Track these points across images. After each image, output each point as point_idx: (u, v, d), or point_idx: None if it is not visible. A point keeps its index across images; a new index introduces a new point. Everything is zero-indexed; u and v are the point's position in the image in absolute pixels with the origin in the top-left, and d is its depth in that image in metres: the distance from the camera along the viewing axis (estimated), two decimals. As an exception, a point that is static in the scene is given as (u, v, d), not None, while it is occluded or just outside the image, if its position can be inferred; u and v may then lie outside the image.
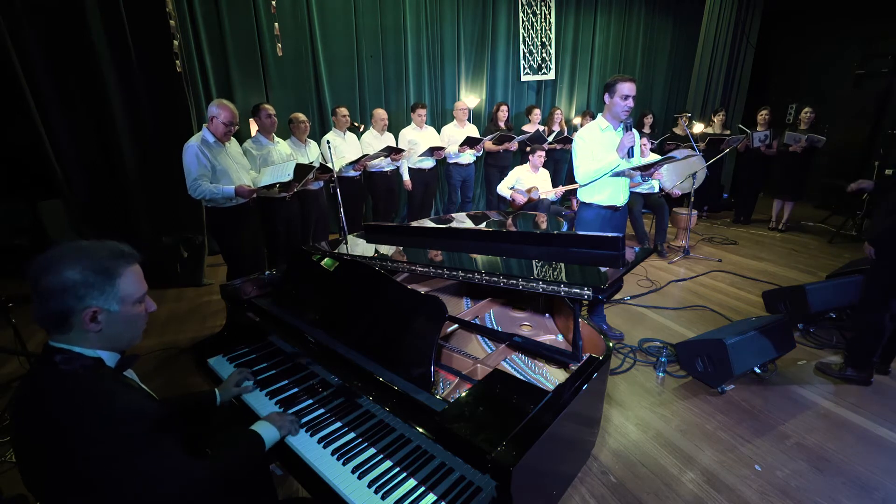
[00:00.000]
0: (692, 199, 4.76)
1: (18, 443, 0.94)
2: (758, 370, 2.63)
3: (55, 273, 0.91)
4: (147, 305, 1.07)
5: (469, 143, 4.66)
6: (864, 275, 2.66)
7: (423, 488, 1.16)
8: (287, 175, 3.07)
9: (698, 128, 6.35)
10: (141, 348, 3.00)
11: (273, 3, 3.88)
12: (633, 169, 2.72)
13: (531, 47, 6.64)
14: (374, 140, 4.55)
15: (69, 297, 0.92)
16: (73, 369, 0.93)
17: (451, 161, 5.05)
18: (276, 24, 3.96)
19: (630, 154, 2.64)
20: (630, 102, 2.57)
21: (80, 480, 0.88)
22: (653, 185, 4.84)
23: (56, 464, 0.87)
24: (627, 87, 2.54)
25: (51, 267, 0.92)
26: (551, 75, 6.88)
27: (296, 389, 1.58)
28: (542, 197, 4.69)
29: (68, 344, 0.96)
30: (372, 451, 1.29)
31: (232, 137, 3.04)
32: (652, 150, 5.10)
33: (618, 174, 2.70)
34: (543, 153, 4.78)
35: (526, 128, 5.75)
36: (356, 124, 4.58)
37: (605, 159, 2.65)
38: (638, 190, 4.87)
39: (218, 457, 1.10)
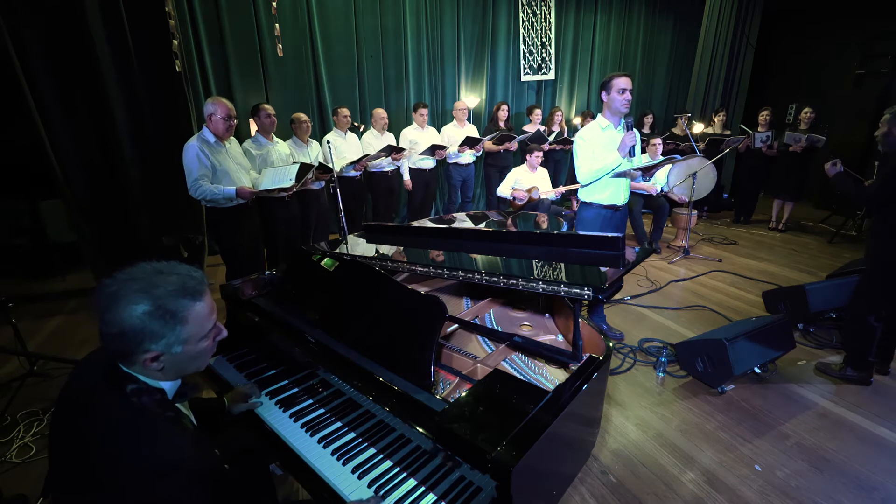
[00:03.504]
0: (691, 200, 4.75)
1: (59, 448, 0.91)
2: (758, 370, 2.63)
3: (116, 312, 0.85)
4: (216, 335, 1.00)
5: (468, 143, 4.67)
6: (859, 276, 2.68)
7: (423, 488, 1.16)
8: (289, 180, 3.08)
9: (698, 128, 6.35)
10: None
11: (273, 4, 3.89)
12: (635, 169, 2.73)
13: (531, 47, 6.64)
14: (375, 140, 4.55)
15: (128, 341, 0.86)
16: (142, 402, 0.90)
17: (451, 161, 5.05)
18: (277, 24, 3.97)
19: (632, 153, 2.65)
20: (628, 96, 2.57)
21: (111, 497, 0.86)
22: (657, 183, 4.82)
23: (93, 485, 0.85)
24: (623, 82, 2.55)
25: (113, 304, 0.85)
26: (551, 75, 6.88)
27: (296, 389, 1.58)
28: (542, 197, 4.69)
29: (135, 372, 0.92)
30: (372, 450, 1.29)
31: (233, 138, 3.05)
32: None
33: (619, 174, 2.70)
34: (541, 153, 4.78)
35: (527, 128, 5.75)
36: (356, 124, 4.59)
37: (607, 159, 2.65)
38: (639, 191, 4.87)
39: None
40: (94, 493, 0.86)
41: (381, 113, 4.60)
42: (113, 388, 0.91)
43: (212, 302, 0.97)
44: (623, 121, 2.64)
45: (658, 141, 4.94)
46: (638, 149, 2.79)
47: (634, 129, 2.66)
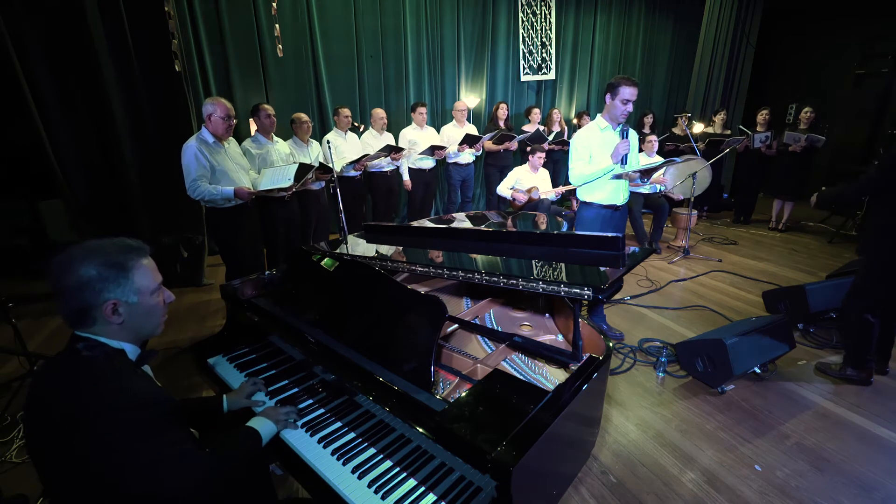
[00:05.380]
0: (692, 199, 4.76)
1: (31, 425, 0.96)
2: (758, 370, 2.63)
3: (72, 272, 0.96)
4: (165, 296, 1.11)
5: (468, 141, 4.67)
6: (855, 275, 2.68)
7: (423, 488, 1.16)
8: (287, 180, 3.07)
9: (698, 128, 6.36)
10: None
11: (273, 4, 3.89)
12: (634, 171, 2.73)
13: (531, 47, 6.64)
14: (374, 140, 4.55)
15: (88, 292, 0.96)
16: (94, 356, 0.97)
17: (450, 161, 5.05)
18: (277, 25, 3.97)
19: (624, 161, 2.65)
20: (629, 107, 2.58)
21: (85, 464, 0.90)
22: (655, 186, 4.85)
23: (65, 447, 0.89)
24: (629, 92, 2.54)
25: (67, 267, 0.96)
26: (551, 75, 6.88)
27: (296, 389, 1.58)
28: (542, 197, 4.69)
29: (93, 335, 1.00)
30: (372, 451, 1.29)
31: (232, 138, 3.04)
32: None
33: (618, 176, 2.70)
34: (543, 154, 4.79)
35: (526, 128, 5.76)
36: (356, 124, 4.59)
37: (601, 164, 2.66)
38: (640, 190, 4.88)
39: (216, 453, 1.10)
40: (72, 460, 0.89)
41: (379, 113, 4.60)
42: (68, 354, 0.99)
43: (154, 265, 1.09)
44: (620, 126, 2.64)
45: (654, 138, 4.98)
46: (633, 156, 2.77)
47: (633, 132, 2.67)
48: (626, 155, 2.63)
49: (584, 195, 2.84)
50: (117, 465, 0.90)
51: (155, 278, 1.07)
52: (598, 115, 2.77)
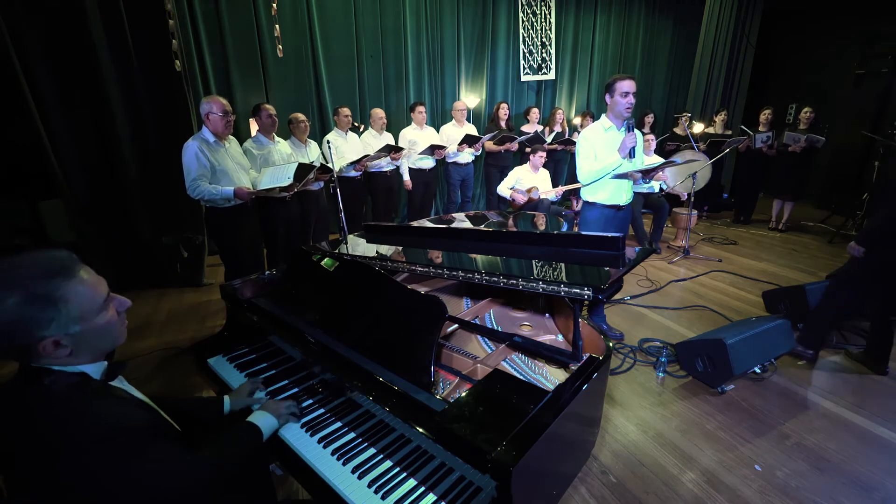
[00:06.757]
0: (692, 199, 4.76)
1: (3, 461, 0.88)
2: (758, 370, 2.63)
3: None
4: (117, 305, 0.96)
5: (468, 140, 4.67)
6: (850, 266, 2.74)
7: (423, 488, 1.16)
8: (287, 178, 3.07)
9: (699, 128, 6.36)
10: (141, 348, 3.00)
11: (274, 5, 3.88)
12: (636, 171, 2.73)
13: (531, 47, 6.64)
14: (373, 140, 4.55)
15: (15, 336, 0.81)
16: (63, 389, 0.87)
17: (449, 160, 5.05)
18: (277, 25, 3.96)
19: (632, 154, 2.65)
20: (631, 99, 2.58)
21: (74, 497, 0.84)
22: (652, 186, 4.86)
23: (47, 483, 0.82)
24: (627, 85, 2.55)
25: None
26: (551, 75, 6.89)
27: (296, 389, 1.58)
28: (542, 197, 4.69)
29: (49, 365, 0.88)
30: (372, 451, 1.29)
31: (232, 137, 3.04)
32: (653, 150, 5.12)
33: (619, 176, 2.70)
34: (544, 153, 4.79)
35: (525, 128, 5.76)
36: (356, 124, 4.59)
37: (608, 160, 2.66)
38: (638, 190, 4.88)
39: (216, 451, 1.07)
40: (58, 495, 0.84)
41: (379, 113, 4.60)
42: (33, 388, 0.87)
43: (94, 276, 0.92)
44: (626, 123, 2.65)
45: (651, 137, 5.02)
46: (640, 150, 2.79)
47: (636, 130, 2.67)
48: (634, 149, 2.63)
49: (587, 195, 2.84)
50: (114, 492, 0.85)
51: (98, 292, 0.89)
52: (603, 116, 2.78)
